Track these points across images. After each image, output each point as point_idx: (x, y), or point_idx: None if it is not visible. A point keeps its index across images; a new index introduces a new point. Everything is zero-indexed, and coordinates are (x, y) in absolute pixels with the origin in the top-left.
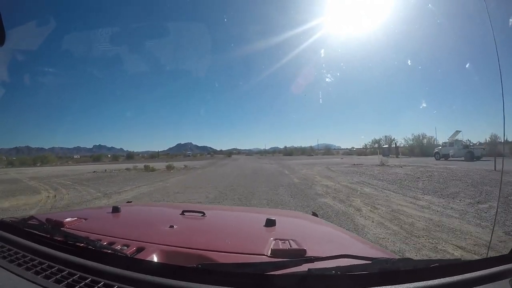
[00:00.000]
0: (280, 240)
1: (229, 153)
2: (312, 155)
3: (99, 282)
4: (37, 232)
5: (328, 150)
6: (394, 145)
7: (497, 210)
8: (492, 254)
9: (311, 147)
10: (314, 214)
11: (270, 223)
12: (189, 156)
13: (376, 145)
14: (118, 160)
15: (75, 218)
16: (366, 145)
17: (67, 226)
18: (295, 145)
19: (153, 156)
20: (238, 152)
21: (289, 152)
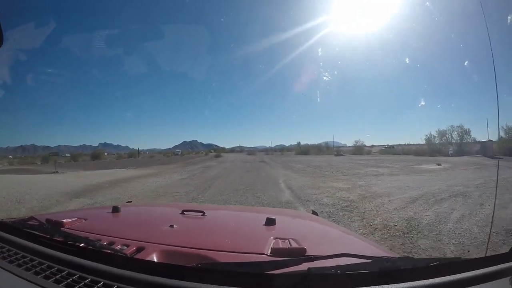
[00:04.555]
0: (280, 239)
1: (218, 152)
2: (342, 154)
3: (99, 282)
4: (36, 233)
5: (358, 149)
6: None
7: (494, 208)
8: (491, 252)
9: (326, 143)
10: (314, 213)
11: (270, 222)
12: (177, 155)
13: (438, 141)
14: (78, 160)
15: (75, 218)
16: (429, 138)
17: (67, 226)
18: (301, 143)
19: (132, 155)
20: (241, 149)
21: (304, 150)
